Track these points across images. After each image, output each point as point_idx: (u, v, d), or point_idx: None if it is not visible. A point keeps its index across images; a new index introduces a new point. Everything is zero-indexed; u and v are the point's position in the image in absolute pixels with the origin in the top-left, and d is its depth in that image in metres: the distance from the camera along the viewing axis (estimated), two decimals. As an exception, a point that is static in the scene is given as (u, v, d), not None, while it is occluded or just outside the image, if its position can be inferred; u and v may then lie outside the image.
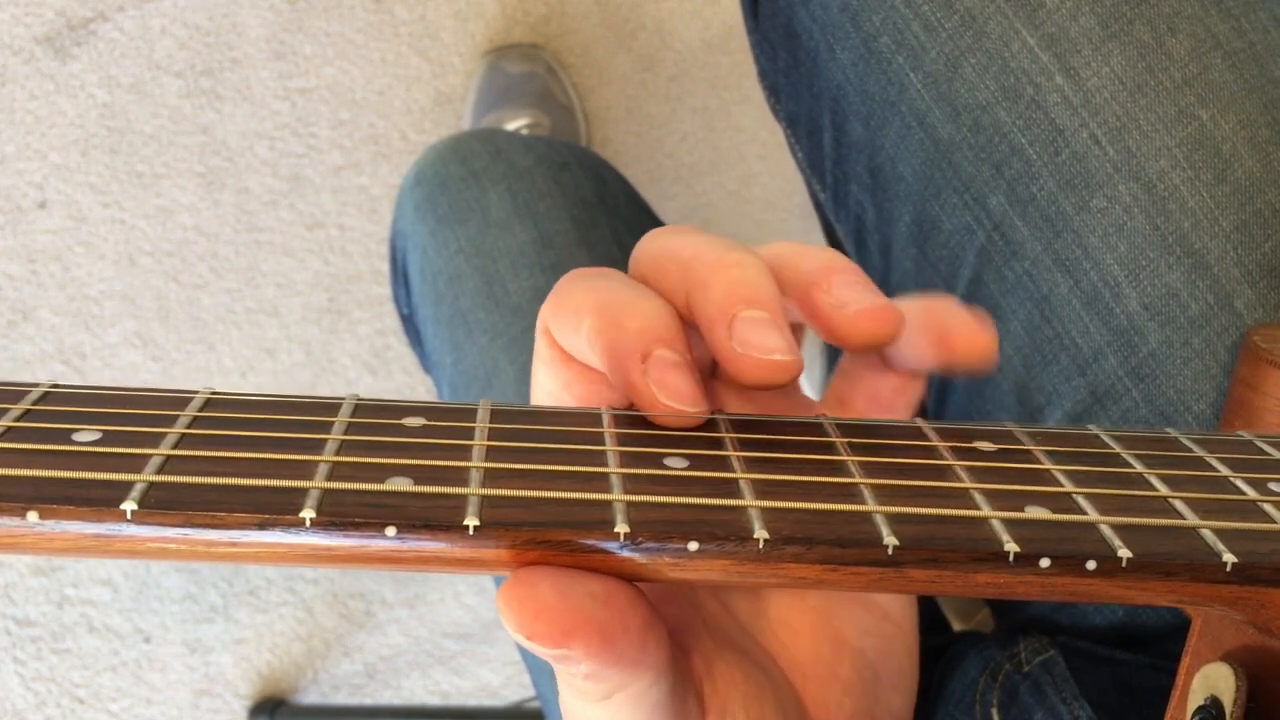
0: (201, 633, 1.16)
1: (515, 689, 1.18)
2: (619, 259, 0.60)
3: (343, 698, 1.18)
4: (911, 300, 0.29)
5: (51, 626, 1.14)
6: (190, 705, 1.16)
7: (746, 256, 0.27)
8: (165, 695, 1.16)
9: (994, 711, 0.46)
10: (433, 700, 1.19)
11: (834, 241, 0.68)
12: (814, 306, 0.27)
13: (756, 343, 0.25)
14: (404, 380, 1.18)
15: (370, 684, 1.18)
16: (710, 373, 0.31)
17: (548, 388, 0.29)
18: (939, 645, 0.53)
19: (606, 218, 0.61)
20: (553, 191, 0.61)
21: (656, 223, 0.66)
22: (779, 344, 0.25)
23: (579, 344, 0.27)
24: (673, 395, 0.25)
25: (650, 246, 0.29)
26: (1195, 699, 0.25)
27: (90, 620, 1.15)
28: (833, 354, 0.78)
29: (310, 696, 1.17)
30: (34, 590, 1.14)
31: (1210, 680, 0.25)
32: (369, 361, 1.18)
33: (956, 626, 0.65)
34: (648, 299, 0.27)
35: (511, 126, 1.12)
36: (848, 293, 0.27)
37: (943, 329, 0.28)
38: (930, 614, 0.59)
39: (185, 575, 1.16)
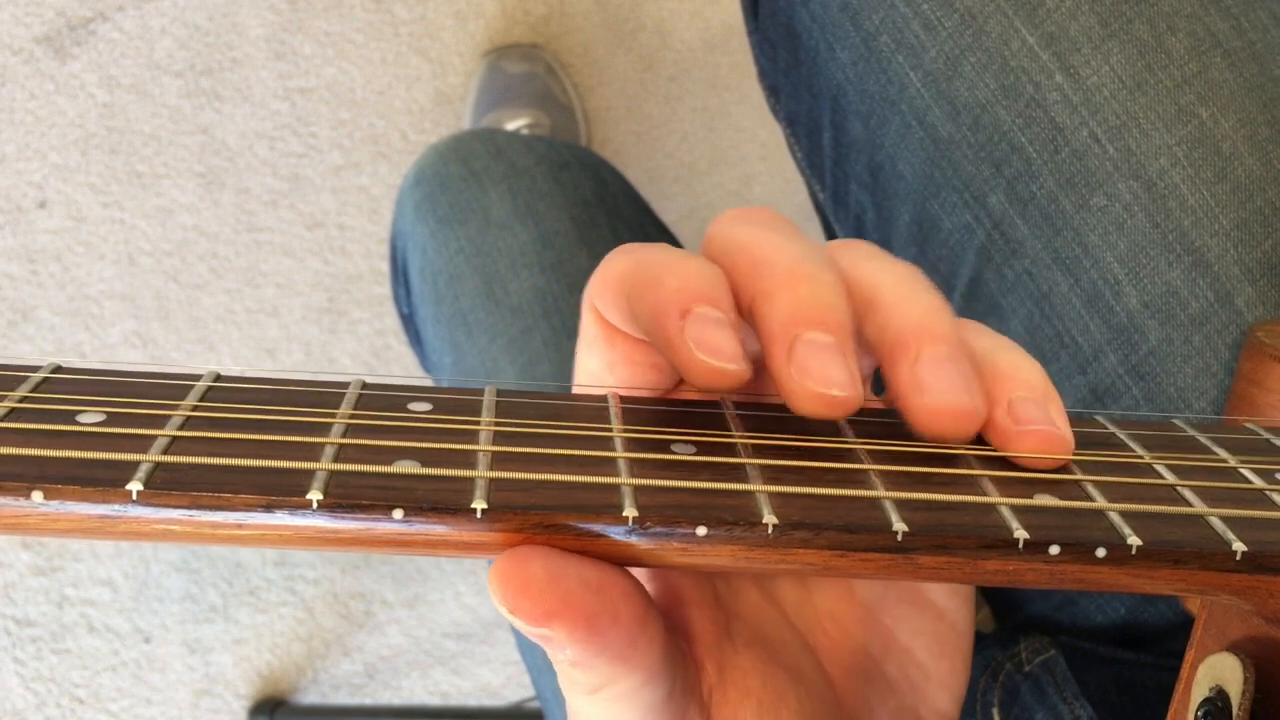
0: (201, 633, 1.16)
1: (515, 689, 1.18)
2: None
3: (343, 698, 1.18)
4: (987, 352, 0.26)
5: (51, 626, 1.14)
6: (190, 705, 1.15)
7: (821, 272, 0.24)
8: (165, 695, 1.15)
9: (995, 711, 0.46)
10: (433, 700, 1.19)
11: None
12: (894, 372, 0.25)
13: (817, 372, 0.23)
14: (404, 380, 1.18)
15: (370, 684, 1.18)
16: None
17: (590, 368, 0.28)
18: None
19: (606, 217, 0.62)
20: (553, 191, 0.61)
21: (657, 223, 0.66)
22: (839, 377, 0.23)
23: (624, 313, 0.26)
24: (710, 351, 0.23)
25: (725, 232, 0.27)
26: (1200, 690, 0.25)
27: (90, 620, 1.15)
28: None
29: (310, 696, 1.17)
30: (34, 590, 1.14)
31: (1215, 671, 0.25)
32: (369, 361, 1.18)
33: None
34: (691, 258, 0.25)
35: (511, 126, 1.12)
36: (934, 376, 0.24)
37: (1009, 440, 0.25)
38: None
39: (185, 575, 1.16)
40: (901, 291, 0.25)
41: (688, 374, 0.24)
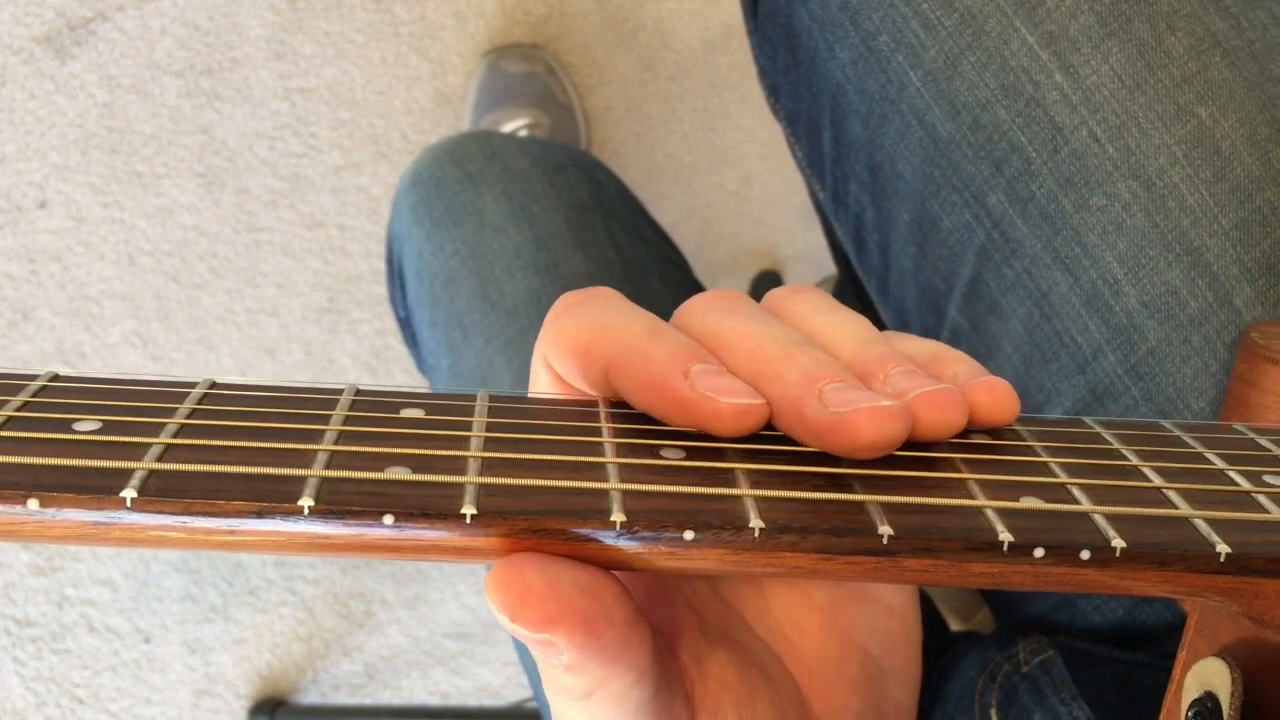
0: (201, 633, 1.16)
1: (515, 689, 1.18)
2: (614, 260, 0.60)
3: (343, 698, 1.18)
4: (929, 354, 0.28)
5: (51, 626, 1.14)
6: (190, 705, 1.16)
7: (810, 347, 0.26)
8: (165, 695, 1.16)
9: (993, 712, 0.46)
10: (433, 700, 1.19)
11: (834, 241, 0.68)
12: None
13: (860, 399, 0.24)
14: (404, 380, 1.18)
15: (370, 684, 1.18)
16: None
17: None
18: (937, 646, 0.52)
19: (602, 219, 0.61)
20: (548, 193, 0.61)
21: (652, 224, 0.66)
22: (878, 397, 0.24)
23: (590, 379, 0.27)
24: (731, 393, 0.24)
25: (697, 324, 0.28)
26: (1190, 695, 0.25)
27: (90, 620, 1.15)
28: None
29: (310, 696, 1.17)
30: (34, 590, 1.14)
31: (1204, 676, 0.25)
32: (369, 361, 1.18)
33: (955, 627, 0.65)
34: (664, 332, 0.26)
35: (511, 126, 1.12)
36: (910, 382, 0.26)
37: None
38: (928, 615, 0.59)
39: (185, 575, 1.16)
40: (857, 339, 0.27)
41: (714, 422, 0.25)
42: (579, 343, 0.27)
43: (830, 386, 0.25)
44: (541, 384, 0.29)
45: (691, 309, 0.28)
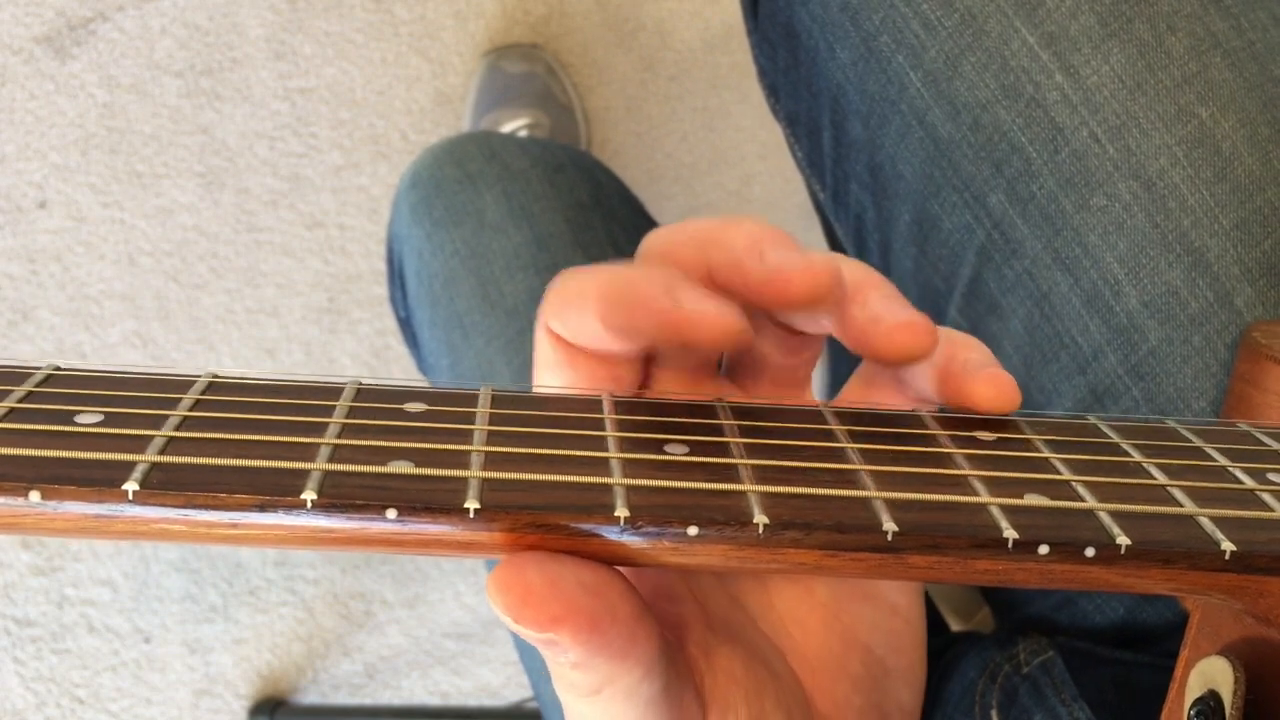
0: (201, 633, 1.16)
1: (515, 689, 1.18)
2: (614, 260, 0.60)
3: (343, 698, 1.18)
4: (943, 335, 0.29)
5: (51, 626, 1.14)
6: (190, 705, 1.16)
7: (752, 219, 0.28)
8: (165, 695, 1.16)
9: (993, 713, 0.46)
10: (433, 700, 1.19)
11: (834, 241, 0.68)
12: (849, 316, 0.28)
13: (796, 258, 0.26)
14: (404, 380, 1.18)
15: (370, 684, 1.18)
16: (715, 371, 0.30)
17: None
18: (937, 646, 0.52)
19: (601, 219, 0.61)
20: (548, 194, 0.61)
21: (652, 224, 0.66)
22: (813, 258, 0.26)
23: (588, 328, 0.27)
24: (716, 306, 0.26)
25: (656, 240, 0.29)
26: (1193, 693, 0.25)
27: (90, 620, 1.15)
28: (834, 359, 0.79)
29: (310, 696, 1.17)
30: (34, 590, 1.14)
31: (1207, 675, 0.25)
32: (369, 361, 1.18)
33: (955, 626, 0.65)
34: (653, 267, 0.27)
35: (511, 126, 1.12)
36: (886, 308, 0.27)
37: (964, 384, 0.28)
38: (928, 615, 0.59)
39: (185, 575, 1.16)
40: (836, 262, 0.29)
41: (696, 335, 0.26)
42: (573, 291, 0.27)
43: (771, 247, 0.26)
44: (544, 355, 0.28)
45: (651, 235, 0.29)
